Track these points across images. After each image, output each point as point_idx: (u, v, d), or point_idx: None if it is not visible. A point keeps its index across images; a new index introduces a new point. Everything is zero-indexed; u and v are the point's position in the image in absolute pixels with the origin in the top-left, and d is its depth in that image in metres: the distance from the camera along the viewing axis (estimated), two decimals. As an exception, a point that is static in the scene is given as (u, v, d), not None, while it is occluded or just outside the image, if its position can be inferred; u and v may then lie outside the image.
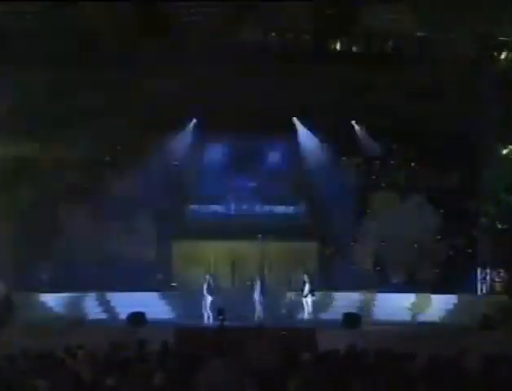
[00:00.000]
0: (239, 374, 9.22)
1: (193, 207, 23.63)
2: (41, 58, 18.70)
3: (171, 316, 20.79)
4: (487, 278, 22.59)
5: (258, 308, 20.11)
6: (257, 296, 20.21)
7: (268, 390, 8.69)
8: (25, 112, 20.12)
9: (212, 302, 19.95)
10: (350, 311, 20.10)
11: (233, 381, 9.02)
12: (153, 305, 20.68)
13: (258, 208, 23.61)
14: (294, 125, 23.07)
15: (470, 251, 22.96)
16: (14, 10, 18.07)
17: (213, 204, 23.62)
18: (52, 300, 20.81)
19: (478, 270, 22.65)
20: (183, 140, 23.11)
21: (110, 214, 22.48)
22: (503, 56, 19.73)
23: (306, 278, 20.37)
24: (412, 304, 21.87)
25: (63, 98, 20.41)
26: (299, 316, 20.63)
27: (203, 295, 20.10)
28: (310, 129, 22.89)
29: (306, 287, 20.28)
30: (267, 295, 20.48)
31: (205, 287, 20.22)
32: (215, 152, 23.47)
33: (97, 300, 21.64)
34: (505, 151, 21.84)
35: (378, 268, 23.20)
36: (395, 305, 21.59)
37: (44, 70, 19.14)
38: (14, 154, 20.64)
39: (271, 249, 22.59)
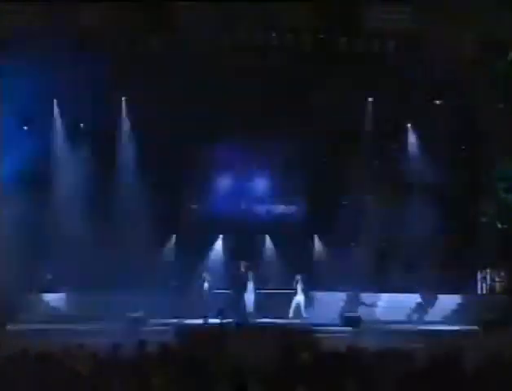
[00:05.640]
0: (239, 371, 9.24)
1: (193, 206, 23.61)
2: None
3: (171, 316, 20.78)
4: (487, 278, 22.60)
5: (249, 307, 20.09)
6: (249, 295, 20.21)
7: (268, 390, 8.70)
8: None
9: (210, 302, 19.96)
10: (350, 311, 20.11)
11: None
12: (153, 305, 20.66)
13: (258, 208, 23.58)
14: (294, 124, 23.02)
15: (470, 251, 22.95)
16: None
17: (213, 203, 23.59)
18: (53, 299, 20.84)
19: (478, 270, 22.67)
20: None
21: (110, 214, 22.54)
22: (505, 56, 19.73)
23: (299, 278, 20.39)
24: (412, 304, 21.88)
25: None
26: (299, 316, 20.63)
27: (202, 295, 20.12)
28: (310, 129, 22.85)
29: (299, 287, 20.31)
30: (266, 295, 20.50)
31: (204, 286, 20.25)
32: (215, 152, 23.44)
33: (97, 300, 21.62)
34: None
35: (378, 268, 23.19)
36: (395, 305, 21.60)
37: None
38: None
39: (271, 249, 22.59)
